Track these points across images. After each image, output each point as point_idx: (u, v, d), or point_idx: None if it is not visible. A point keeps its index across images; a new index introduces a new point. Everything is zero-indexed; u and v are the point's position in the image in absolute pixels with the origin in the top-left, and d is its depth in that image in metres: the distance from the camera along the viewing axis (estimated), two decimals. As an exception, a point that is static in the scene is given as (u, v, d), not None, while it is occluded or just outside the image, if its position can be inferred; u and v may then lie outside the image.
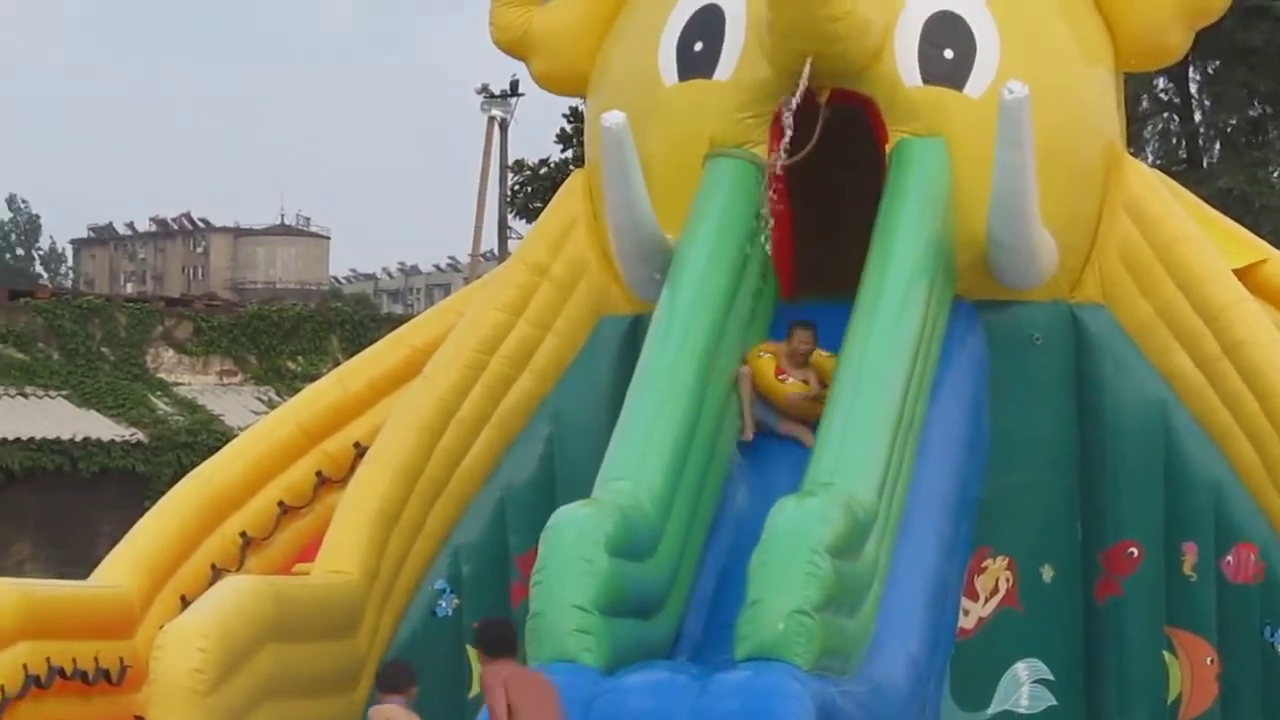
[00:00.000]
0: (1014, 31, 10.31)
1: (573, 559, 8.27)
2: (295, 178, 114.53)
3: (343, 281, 52.30)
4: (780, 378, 10.12)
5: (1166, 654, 10.54)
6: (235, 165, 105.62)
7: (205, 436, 18.32)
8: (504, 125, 24.53)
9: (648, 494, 8.74)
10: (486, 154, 24.00)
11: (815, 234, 10.73)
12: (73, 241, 60.92)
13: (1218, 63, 23.50)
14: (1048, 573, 10.54)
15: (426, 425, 10.96)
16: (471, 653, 10.46)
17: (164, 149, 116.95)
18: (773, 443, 10.25)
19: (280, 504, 11.32)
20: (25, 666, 9.84)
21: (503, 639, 8.72)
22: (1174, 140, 24.99)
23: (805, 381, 9.90)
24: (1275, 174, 23.07)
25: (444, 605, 11.09)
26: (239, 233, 52.79)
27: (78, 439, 19.61)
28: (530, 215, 22.27)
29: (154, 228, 59.10)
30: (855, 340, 9.31)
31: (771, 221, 10.15)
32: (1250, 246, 11.89)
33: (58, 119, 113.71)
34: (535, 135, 28.40)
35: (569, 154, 22.23)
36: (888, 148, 10.05)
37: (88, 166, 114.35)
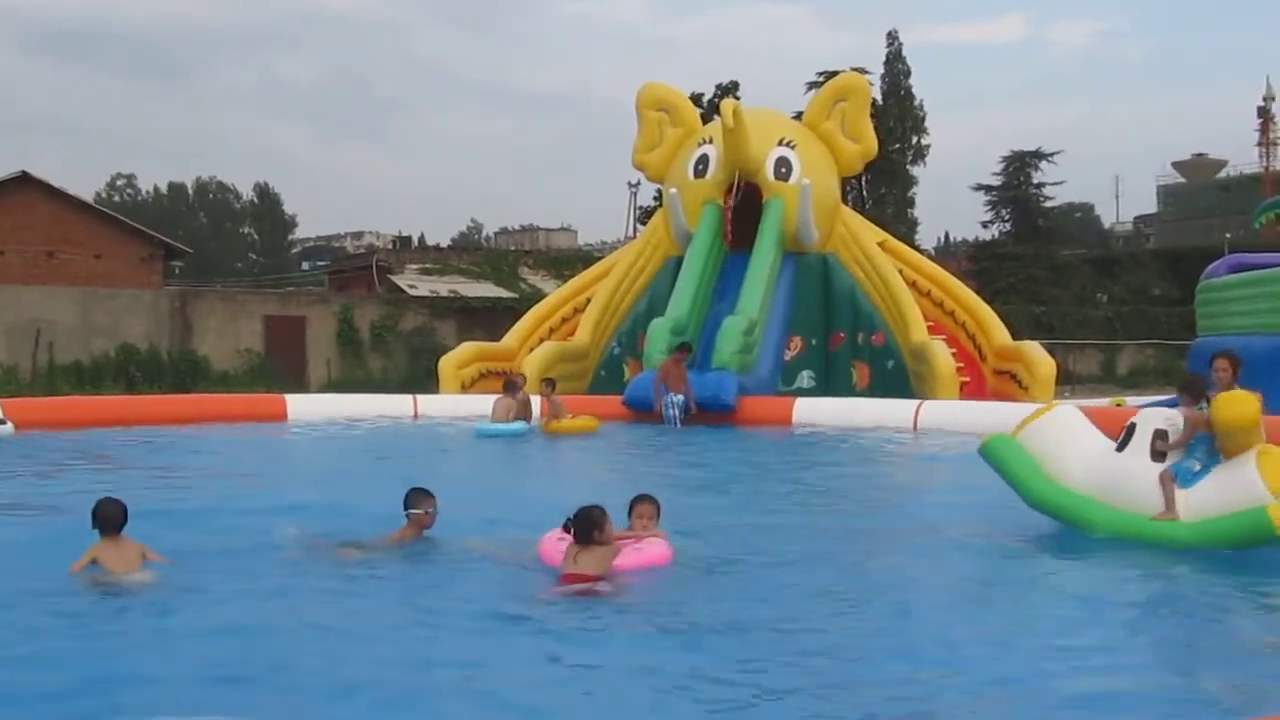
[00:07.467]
0: (805, 161, 23.39)
1: (658, 335, 21.40)
2: (571, 202, 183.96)
3: (581, 248, 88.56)
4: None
5: (853, 369, 23.96)
6: (536, 195, 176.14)
7: (537, 297, 32.01)
8: (635, 194, 49.50)
9: (684, 313, 21.86)
10: (629, 204, 48.95)
11: (737, 224, 23.52)
12: (494, 233, 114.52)
13: (869, 175, 52.29)
14: (814, 342, 24.00)
15: (612, 291, 24.51)
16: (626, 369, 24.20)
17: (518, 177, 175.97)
18: (726, 288, 22.79)
19: (562, 317, 25.23)
20: (478, 370, 24.20)
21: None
22: (859, 199, 53.51)
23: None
24: (890, 211, 54.48)
25: (615, 350, 24.63)
26: (547, 230, 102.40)
27: (493, 296, 37.29)
28: (644, 223, 40.57)
29: (519, 227, 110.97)
30: (752, 266, 22.48)
31: (726, 222, 23.69)
32: (882, 235, 25.45)
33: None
34: (646, 196, 51.00)
35: (658, 203, 38.73)
36: (764, 200, 23.34)
37: (508, 185, 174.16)
